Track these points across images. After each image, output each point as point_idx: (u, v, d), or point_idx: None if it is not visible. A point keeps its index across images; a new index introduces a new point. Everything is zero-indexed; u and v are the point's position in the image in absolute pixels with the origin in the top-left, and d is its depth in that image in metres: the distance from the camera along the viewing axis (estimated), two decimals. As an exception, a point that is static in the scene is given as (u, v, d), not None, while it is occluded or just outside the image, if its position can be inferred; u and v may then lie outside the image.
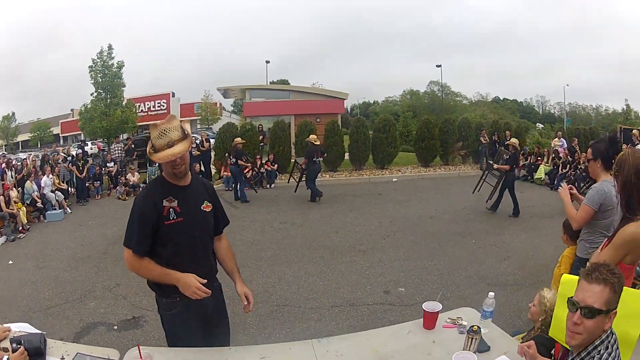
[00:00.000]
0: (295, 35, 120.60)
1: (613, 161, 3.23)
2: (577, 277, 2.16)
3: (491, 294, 3.19)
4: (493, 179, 12.21)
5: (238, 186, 14.24)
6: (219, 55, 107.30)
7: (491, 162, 12.79)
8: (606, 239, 3.21)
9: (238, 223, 10.78)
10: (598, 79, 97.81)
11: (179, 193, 2.84)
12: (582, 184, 14.00)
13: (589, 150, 3.93)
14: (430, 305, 3.05)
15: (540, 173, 17.39)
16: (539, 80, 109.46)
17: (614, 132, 17.98)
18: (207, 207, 3.00)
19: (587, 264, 2.44)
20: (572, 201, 4.10)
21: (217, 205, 3.14)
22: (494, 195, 11.79)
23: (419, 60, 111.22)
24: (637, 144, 17.06)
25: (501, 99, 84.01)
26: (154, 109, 46.24)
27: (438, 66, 54.74)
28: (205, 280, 2.85)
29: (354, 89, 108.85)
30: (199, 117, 49.25)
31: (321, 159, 14.17)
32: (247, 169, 15.07)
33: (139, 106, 42.29)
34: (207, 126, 46.07)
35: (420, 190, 15.03)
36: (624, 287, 2.08)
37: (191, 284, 2.77)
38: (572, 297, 2.05)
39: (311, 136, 14.01)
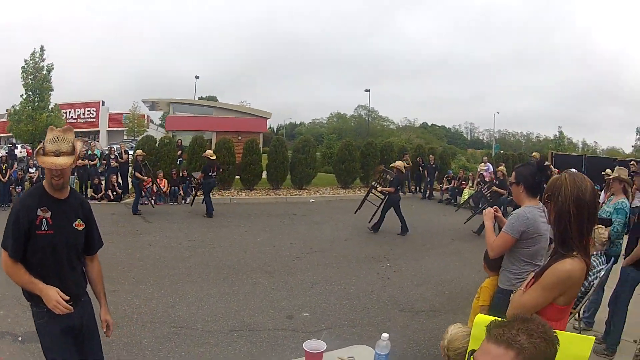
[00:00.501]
0: (228, 52, 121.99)
1: (542, 187, 2.99)
2: (491, 319, 1.63)
3: (385, 335, 2.59)
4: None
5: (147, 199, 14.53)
6: (153, 67, 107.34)
7: (374, 183, 13.14)
8: (533, 269, 2.95)
9: (147, 238, 10.50)
10: (531, 108, 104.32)
11: (54, 205, 2.84)
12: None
13: (513, 173, 3.56)
14: (313, 345, 2.61)
15: (465, 197, 17.30)
16: (470, 108, 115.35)
17: (543, 157, 18.20)
18: (79, 225, 2.98)
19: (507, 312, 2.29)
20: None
21: (92, 225, 3.11)
22: (379, 217, 11.65)
23: (351, 85, 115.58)
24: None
25: (429, 124, 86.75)
26: (83, 117, 47.83)
27: (367, 91, 55.82)
28: (68, 297, 2.78)
29: (283, 109, 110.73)
30: (126, 128, 48.78)
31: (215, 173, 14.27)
32: (146, 183, 14.73)
33: (69, 112, 44.65)
34: (133, 138, 45.69)
35: (337, 211, 14.52)
36: (559, 332, 1.61)
37: (52, 297, 2.71)
38: (474, 351, 1.62)
39: (207, 151, 14.57)
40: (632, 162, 13.65)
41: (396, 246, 10.20)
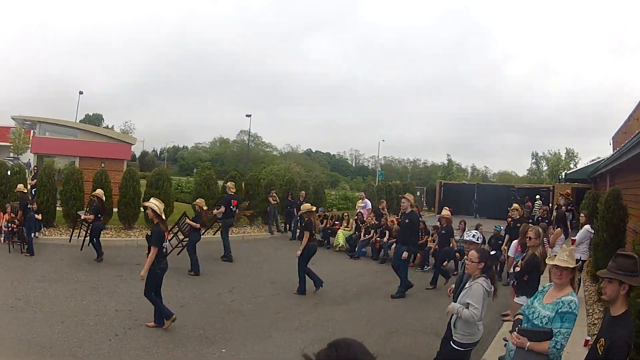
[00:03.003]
0: (123, 68, 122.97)
1: None
2: None
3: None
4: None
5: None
6: (56, 77, 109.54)
7: (80, 212, 13.74)
8: None
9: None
10: (422, 135, 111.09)
11: None
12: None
13: None
14: None
15: (339, 239, 16.32)
16: (359, 135, 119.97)
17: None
18: None
19: None
20: None
21: None
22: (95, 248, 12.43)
23: (245, 107, 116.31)
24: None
25: (314, 151, 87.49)
26: (-25, 131, 45.95)
27: (248, 116, 54.91)
28: None
29: (172, 129, 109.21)
30: (12, 144, 44.49)
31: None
32: None
33: (-38, 127, 43.45)
34: (15, 156, 41.71)
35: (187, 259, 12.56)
36: None
37: None
38: None
39: (19, 185, 13.97)
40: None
41: (241, 315, 8.58)
